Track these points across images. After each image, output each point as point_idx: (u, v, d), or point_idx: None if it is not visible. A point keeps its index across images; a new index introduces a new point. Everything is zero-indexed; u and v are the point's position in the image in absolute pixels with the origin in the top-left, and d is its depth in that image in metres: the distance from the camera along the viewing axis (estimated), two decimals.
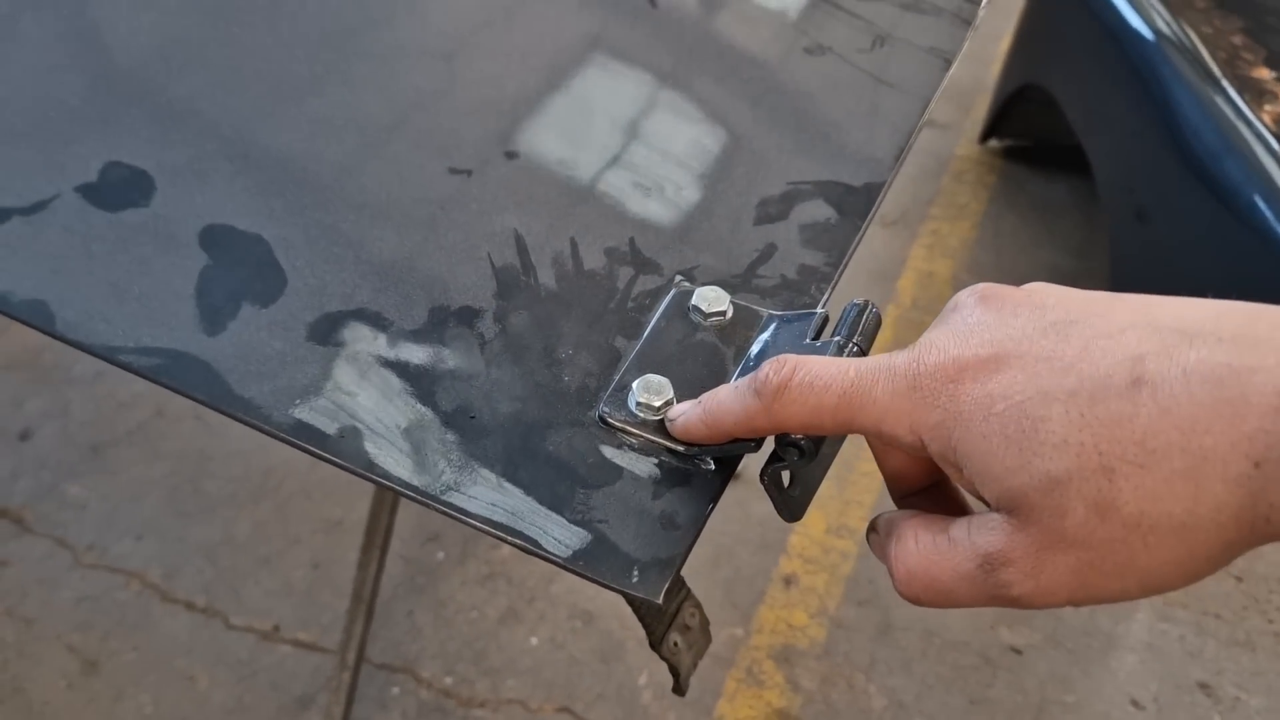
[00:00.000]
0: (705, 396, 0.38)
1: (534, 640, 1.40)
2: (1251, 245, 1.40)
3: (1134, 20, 1.66)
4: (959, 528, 0.33)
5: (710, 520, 0.39)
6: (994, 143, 2.25)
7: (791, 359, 0.35)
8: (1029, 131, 2.19)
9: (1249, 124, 1.43)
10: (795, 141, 0.54)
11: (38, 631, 1.37)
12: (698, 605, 0.54)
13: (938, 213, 2.11)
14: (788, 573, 1.51)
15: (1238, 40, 1.59)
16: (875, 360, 0.34)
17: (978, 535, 0.32)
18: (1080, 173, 1.81)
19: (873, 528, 0.37)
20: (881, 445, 0.37)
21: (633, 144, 0.53)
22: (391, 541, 1.26)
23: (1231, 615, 1.48)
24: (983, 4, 0.66)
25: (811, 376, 0.34)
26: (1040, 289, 0.33)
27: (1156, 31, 1.62)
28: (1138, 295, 0.32)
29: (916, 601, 0.34)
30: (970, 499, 0.36)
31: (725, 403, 0.37)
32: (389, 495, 1.11)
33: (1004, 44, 2.12)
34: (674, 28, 0.61)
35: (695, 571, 1.44)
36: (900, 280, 1.95)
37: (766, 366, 0.35)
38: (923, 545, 0.33)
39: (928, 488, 0.38)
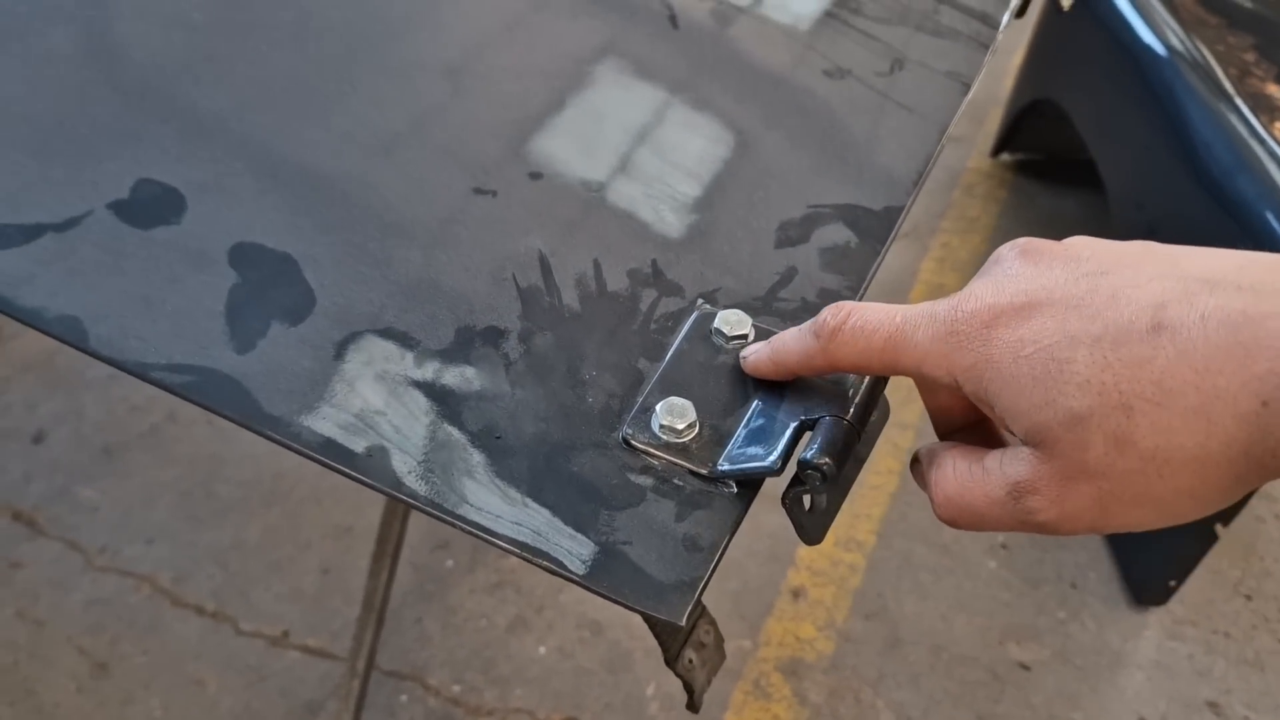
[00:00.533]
0: (774, 338, 0.42)
1: (542, 649, 1.41)
2: None
3: (1147, 36, 1.66)
4: (992, 458, 0.35)
5: None
6: (1006, 156, 2.25)
7: (847, 305, 0.38)
8: (1041, 146, 2.19)
9: (1261, 141, 1.43)
10: (815, 164, 0.55)
11: (48, 634, 1.38)
12: (713, 622, 0.54)
13: (949, 226, 2.12)
14: (796, 585, 1.51)
15: (1250, 57, 1.59)
16: (919, 307, 0.36)
17: (1008, 465, 0.34)
18: (1091, 187, 1.81)
19: (916, 459, 0.40)
20: (926, 386, 0.40)
21: (654, 165, 0.54)
22: (402, 548, 1.27)
23: (1241, 634, 1.48)
24: (1001, 28, 0.67)
25: (863, 321, 0.37)
26: (1078, 242, 0.36)
27: (1169, 47, 1.63)
28: (1171, 246, 0.34)
29: (952, 523, 0.37)
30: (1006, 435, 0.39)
31: (789, 342, 0.40)
32: (401, 504, 1.11)
33: (1017, 58, 2.12)
34: (695, 49, 0.62)
35: None
36: (911, 293, 1.95)
37: (825, 311, 0.38)
38: (959, 472, 0.36)
39: (970, 424, 0.41)
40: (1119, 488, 0.32)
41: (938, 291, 1.96)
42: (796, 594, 1.50)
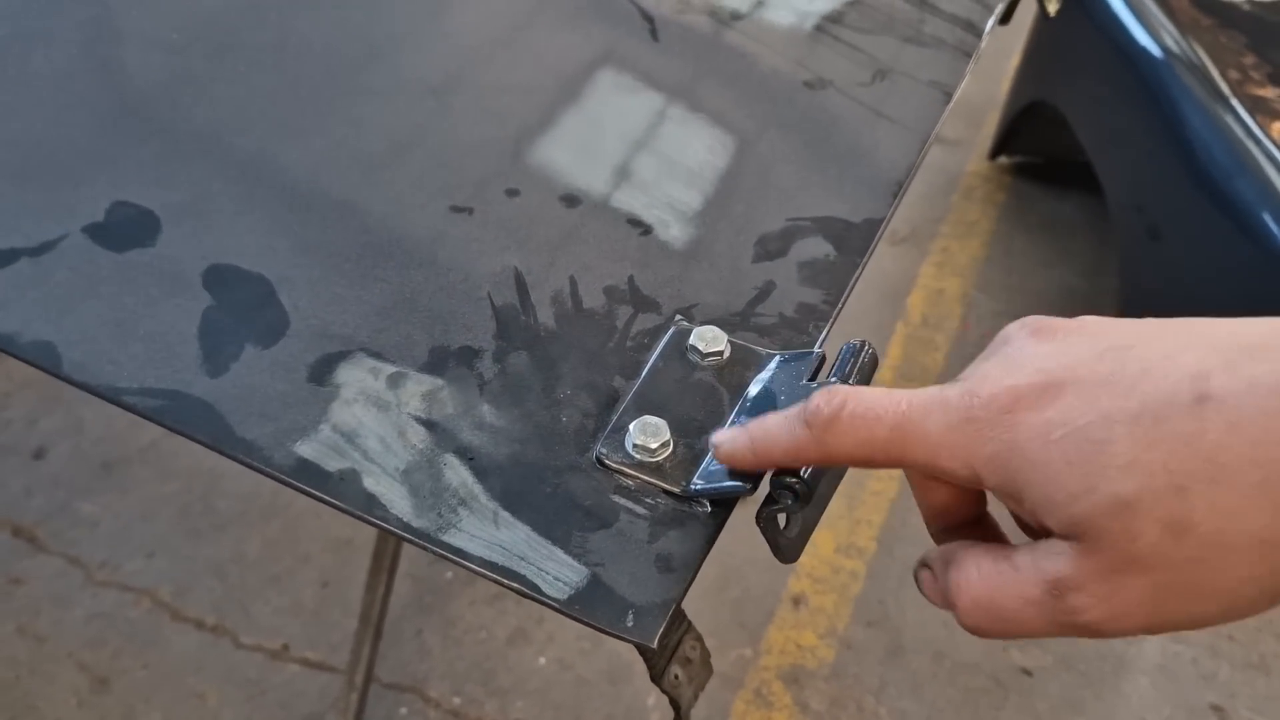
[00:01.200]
0: (752, 424, 0.37)
1: (542, 660, 1.41)
2: (1262, 263, 1.39)
3: (1143, 37, 1.66)
4: (1023, 554, 0.32)
5: (719, 540, 0.39)
6: (1004, 159, 2.25)
7: (842, 390, 0.34)
8: (1039, 148, 2.19)
9: (1259, 143, 1.43)
10: (795, 177, 0.54)
11: (49, 649, 1.38)
12: (698, 638, 0.54)
13: (947, 230, 2.11)
14: (797, 593, 1.51)
15: (1245, 58, 1.59)
16: (928, 392, 0.33)
17: (1044, 561, 0.31)
18: (1090, 190, 1.80)
19: (924, 564, 0.37)
20: (924, 481, 0.37)
21: (632, 181, 0.54)
22: (400, 560, 1.27)
23: (1245, 638, 1.47)
24: (985, 35, 0.66)
25: (863, 408, 0.33)
26: (1089, 320, 0.33)
27: (1165, 49, 1.62)
28: (1184, 320, 0.32)
29: (980, 633, 0.33)
30: (1011, 534, 0.36)
31: (773, 432, 0.36)
32: None
33: (1014, 60, 2.12)
34: (674, 62, 0.62)
35: (703, 592, 1.44)
36: (910, 297, 1.95)
37: (817, 397, 0.34)
38: (985, 573, 0.33)
39: (968, 523, 0.37)
40: (1176, 579, 0.29)
41: (937, 295, 1.96)
42: (797, 601, 1.50)
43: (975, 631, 0.33)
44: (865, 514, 1.61)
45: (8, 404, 1.68)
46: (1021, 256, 2.06)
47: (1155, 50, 1.64)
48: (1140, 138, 1.65)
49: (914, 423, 0.32)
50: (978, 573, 0.33)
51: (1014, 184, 2.23)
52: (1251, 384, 0.28)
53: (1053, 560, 0.30)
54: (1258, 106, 1.49)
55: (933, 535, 0.38)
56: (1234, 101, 1.49)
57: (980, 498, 0.37)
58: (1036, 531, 0.33)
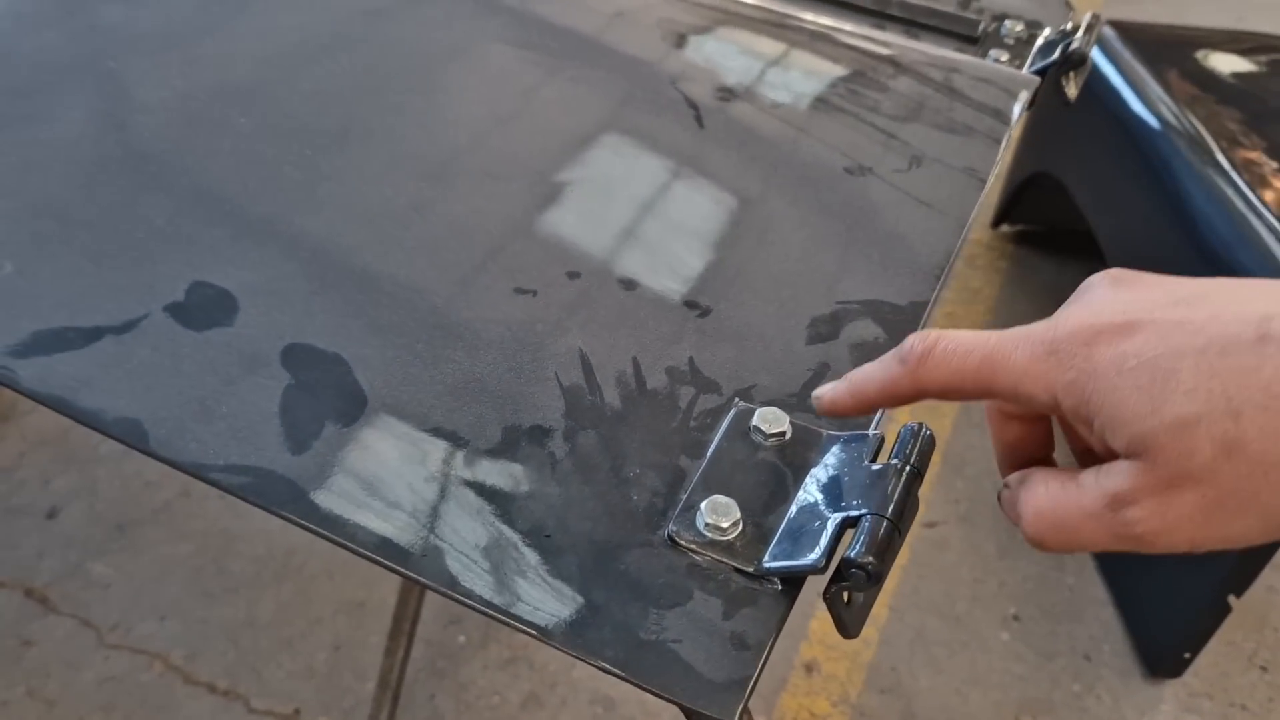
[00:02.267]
0: (851, 372, 0.41)
1: None
2: None
3: (1142, 111, 1.71)
4: (1088, 474, 0.35)
5: None
6: (1006, 228, 2.29)
7: (933, 332, 0.38)
8: (1041, 217, 2.23)
9: (1259, 214, 1.47)
10: (841, 261, 0.57)
11: (60, 714, 1.37)
12: (750, 714, 0.55)
13: (952, 296, 2.14)
14: (809, 659, 1.51)
15: (1241, 131, 1.63)
16: (1014, 330, 0.37)
17: (1106, 479, 0.34)
18: (1092, 258, 1.84)
19: (1005, 484, 0.40)
20: (1002, 420, 0.40)
21: (686, 265, 0.56)
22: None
23: (1258, 706, 1.47)
24: (1012, 123, 0.69)
25: (954, 344, 0.37)
26: (1166, 276, 0.36)
27: (1164, 122, 1.67)
28: (1256, 279, 0.35)
29: (1040, 542, 0.36)
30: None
31: (870, 372, 0.40)
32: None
33: (1016, 131, 2.17)
34: (720, 150, 0.64)
35: None
36: None
37: (911, 338, 0.38)
38: (1052, 488, 0.36)
39: (1038, 461, 0.40)
40: (1225, 495, 0.32)
41: None
42: (809, 668, 1.50)
43: (1038, 542, 0.36)
44: None
45: (21, 464, 1.68)
46: (1025, 322, 2.09)
47: (1154, 123, 1.69)
48: (1140, 208, 1.69)
49: (1002, 353, 0.36)
50: (1045, 489, 0.36)
51: (1016, 252, 2.27)
52: None
53: (1114, 478, 0.34)
54: (1255, 178, 1.53)
55: (1002, 473, 0.41)
56: (1233, 173, 1.53)
57: (1049, 439, 0.41)
58: (1102, 462, 0.36)
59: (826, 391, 0.42)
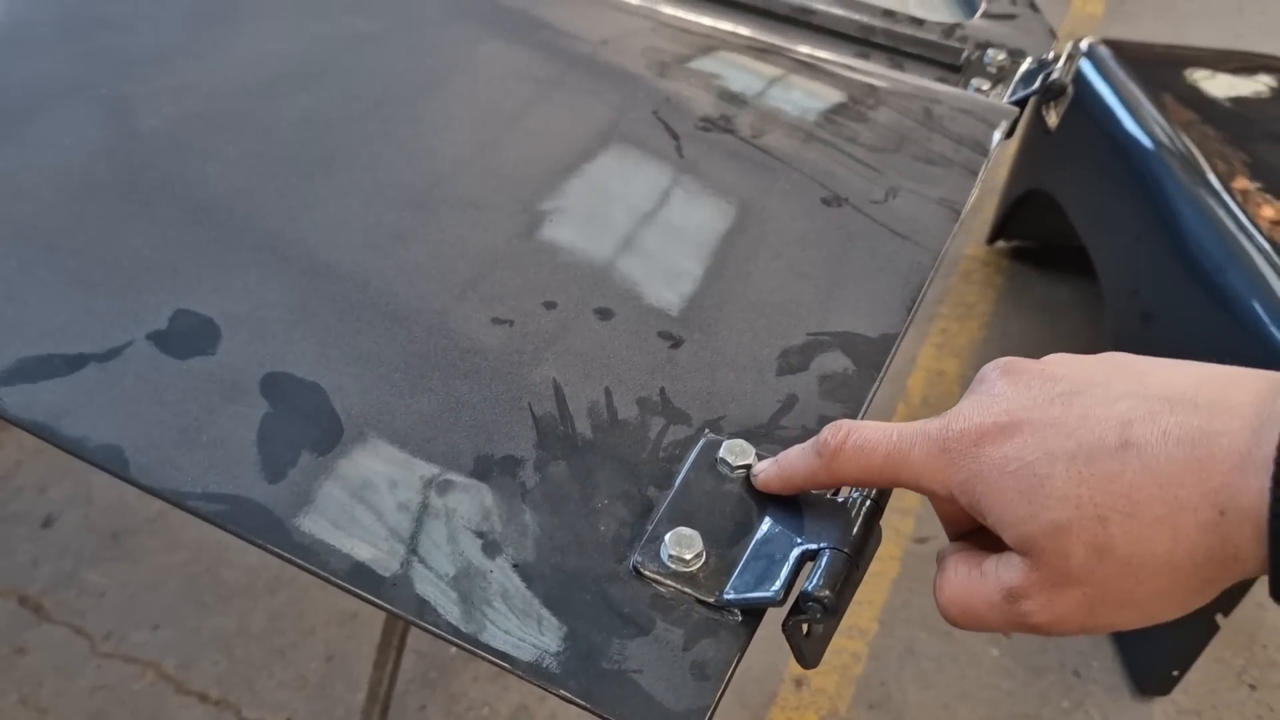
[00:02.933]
0: (780, 455, 0.45)
1: None
2: (1253, 351, 1.43)
3: (1135, 130, 1.72)
4: (990, 563, 0.38)
5: None
6: (1001, 244, 2.30)
7: (845, 424, 0.41)
8: (1036, 233, 2.24)
9: (1249, 235, 1.48)
10: (814, 293, 0.58)
11: None
12: None
13: (946, 311, 2.15)
14: (798, 674, 1.51)
15: (1232, 151, 1.64)
16: (914, 425, 0.40)
17: (1003, 571, 0.37)
18: (1086, 274, 1.85)
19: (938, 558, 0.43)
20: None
21: (661, 295, 0.57)
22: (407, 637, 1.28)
23: None
24: (989, 154, 0.70)
25: (861, 440, 0.41)
26: (1055, 361, 0.40)
27: (1157, 141, 1.68)
28: (1138, 360, 0.38)
29: (954, 624, 0.40)
30: None
31: (795, 461, 0.44)
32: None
33: (1011, 148, 2.18)
34: (699, 179, 0.65)
35: None
36: (910, 379, 1.98)
37: (826, 430, 0.42)
38: (959, 576, 0.39)
39: (978, 527, 0.43)
40: (1102, 592, 0.35)
41: (936, 377, 1.99)
42: (799, 683, 1.50)
43: (951, 622, 0.40)
44: (866, 594, 1.62)
45: (18, 472, 1.70)
46: (1019, 338, 2.10)
47: (1147, 142, 1.70)
48: (1133, 225, 1.70)
49: (902, 452, 0.39)
50: (954, 575, 0.40)
51: (1011, 267, 2.28)
52: (1164, 434, 0.34)
53: (1009, 571, 0.37)
54: (1246, 198, 1.54)
55: (948, 534, 0.44)
56: (1223, 193, 1.54)
57: None
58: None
59: (761, 471, 0.46)
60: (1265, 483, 0.32)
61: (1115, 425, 0.35)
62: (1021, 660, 1.55)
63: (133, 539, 1.61)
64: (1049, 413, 0.37)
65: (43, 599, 1.52)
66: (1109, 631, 0.36)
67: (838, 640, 1.56)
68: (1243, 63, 1.97)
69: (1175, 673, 1.48)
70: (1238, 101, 1.82)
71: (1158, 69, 1.87)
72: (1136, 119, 1.73)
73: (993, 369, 0.40)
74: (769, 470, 0.45)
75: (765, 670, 1.51)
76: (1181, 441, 0.33)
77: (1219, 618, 1.39)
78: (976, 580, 0.38)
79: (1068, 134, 1.93)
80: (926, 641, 1.56)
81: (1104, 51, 1.88)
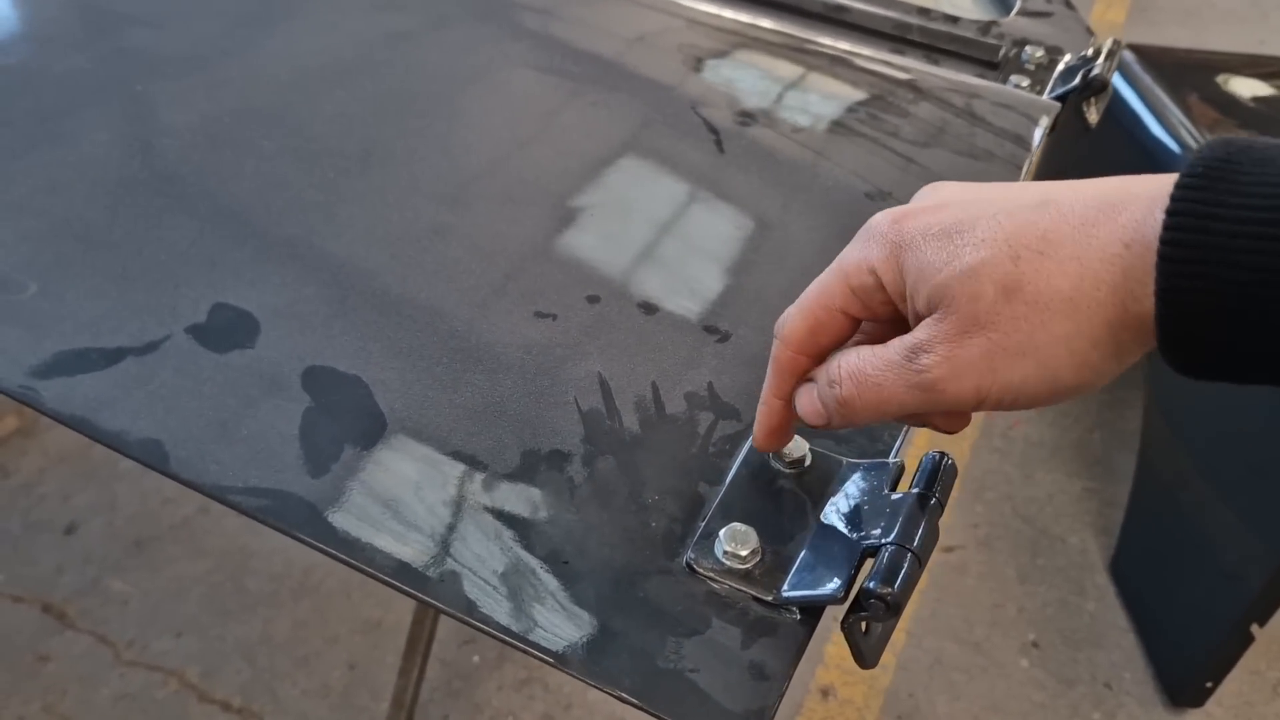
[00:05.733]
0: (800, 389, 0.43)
1: None
2: None
3: (1162, 135, 1.70)
4: (896, 338, 0.38)
5: None
6: None
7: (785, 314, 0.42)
8: None
9: None
10: None
11: None
12: None
13: None
14: (825, 684, 1.49)
15: None
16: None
17: (908, 336, 0.37)
18: None
19: (809, 379, 0.42)
20: (833, 319, 0.41)
21: (706, 289, 0.56)
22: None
23: None
24: (1034, 149, 0.69)
25: (808, 294, 0.41)
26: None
27: (1184, 145, 1.66)
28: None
29: (849, 402, 0.39)
30: None
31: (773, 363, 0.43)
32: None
33: (1037, 155, 2.17)
34: (740, 173, 0.64)
35: None
36: None
37: (779, 324, 0.42)
38: (864, 352, 0.39)
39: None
40: (1005, 338, 0.35)
41: None
42: (826, 693, 1.48)
43: (846, 407, 0.39)
44: None
45: (41, 479, 1.69)
46: None
47: (1174, 146, 1.68)
48: None
49: (835, 266, 0.40)
50: (857, 354, 0.39)
51: None
52: (1082, 193, 0.35)
53: (914, 333, 0.37)
54: None
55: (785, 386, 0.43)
56: None
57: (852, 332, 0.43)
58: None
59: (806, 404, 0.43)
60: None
61: (1037, 193, 0.36)
62: (1053, 671, 1.53)
63: (156, 546, 1.61)
64: (974, 194, 0.38)
65: (66, 607, 1.52)
66: (1006, 396, 0.36)
67: None
68: (1269, 67, 1.95)
69: (1209, 684, 1.45)
70: (1265, 105, 1.81)
71: (1183, 74, 1.86)
72: (1162, 123, 1.71)
73: (927, 187, 0.41)
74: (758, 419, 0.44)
75: (793, 680, 1.49)
76: (1098, 196, 0.34)
77: (1254, 628, 1.36)
78: (879, 351, 0.38)
79: (1092, 138, 1.91)
80: (955, 652, 1.54)
81: (1129, 56, 1.86)
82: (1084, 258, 0.34)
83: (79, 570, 1.56)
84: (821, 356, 0.42)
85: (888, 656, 1.53)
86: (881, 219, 0.39)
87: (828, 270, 0.40)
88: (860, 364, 0.38)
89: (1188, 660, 1.48)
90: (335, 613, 1.53)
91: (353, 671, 1.46)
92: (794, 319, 0.41)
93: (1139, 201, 0.33)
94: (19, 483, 1.68)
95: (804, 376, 0.42)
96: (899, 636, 1.56)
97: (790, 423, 0.44)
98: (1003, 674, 1.52)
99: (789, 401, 0.43)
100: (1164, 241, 0.31)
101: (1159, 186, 0.33)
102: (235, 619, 1.51)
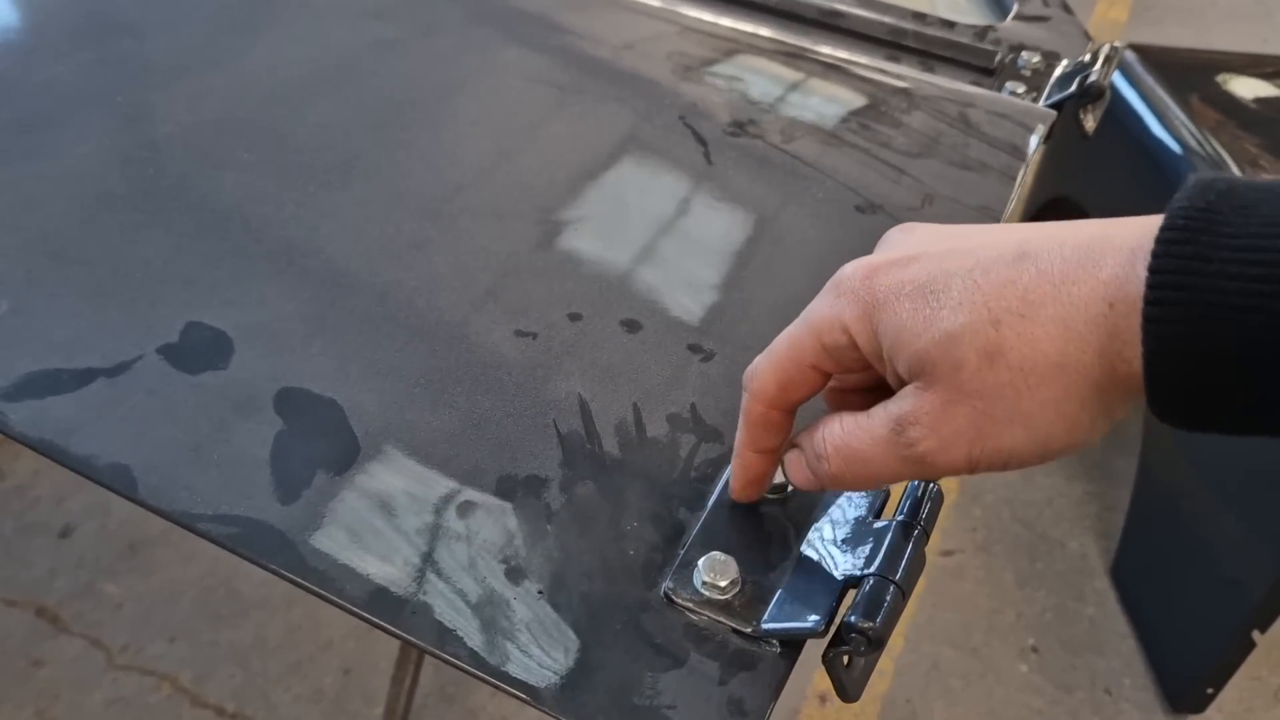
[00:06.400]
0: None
1: None
2: None
3: (1164, 135, 1.69)
4: (879, 406, 0.37)
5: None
6: None
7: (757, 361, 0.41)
8: None
9: None
10: None
11: None
12: None
13: None
14: (823, 689, 1.49)
15: (1262, 156, 1.61)
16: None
17: (892, 405, 0.36)
18: None
19: (793, 444, 0.41)
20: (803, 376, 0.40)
21: (690, 306, 0.55)
22: None
23: None
24: (1027, 159, 0.68)
25: (766, 355, 0.40)
26: (952, 225, 0.39)
27: (1186, 146, 1.65)
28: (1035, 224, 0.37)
29: (840, 477, 0.38)
30: None
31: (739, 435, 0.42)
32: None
33: (1037, 157, 2.15)
34: (728, 186, 0.63)
35: None
36: None
37: (745, 377, 0.41)
38: (846, 423, 0.38)
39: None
40: (991, 406, 0.34)
41: None
42: (823, 699, 1.48)
43: (837, 480, 0.38)
44: None
45: (36, 482, 1.69)
46: None
47: (1175, 147, 1.67)
48: None
49: (802, 321, 0.39)
50: (840, 425, 0.38)
51: None
52: (1060, 243, 0.33)
53: (898, 403, 0.36)
54: None
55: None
56: None
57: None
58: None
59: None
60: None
61: (1013, 243, 0.34)
62: (1051, 677, 1.52)
63: (149, 550, 1.60)
64: (948, 244, 0.36)
65: (60, 610, 1.51)
66: (997, 462, 0.34)
67: None
68: (1272, 66, 1.93)
69: (1210, 690, 1.44)
70: (1267, 105, 1.79)
71: (1185, 73, 1.84)
72: (1164, 124, 1.70)
73: (893, 230, 0.40)
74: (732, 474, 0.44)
75: (789, 687, 1.48)
76: (1078, 248, 0.33)
77: (1255, 634, 1.35)
78: (863, 421, 0.37)
79: (1094, 140, 1.90)
80: (953, 658, 1.53)
81: (1130, 56, 1.85)
82: (1068, 319, 0.32)
83: (72, 574, 1.56)
84: (794, 410, 0.41)
85: (885, 662, 1.52)
86: (853, 274, 0.37)
87: (798, 324, 0.39)
88: (846, 438, 0.37)
89: (1188, 666, 1.48)
90: (328, 617, 1.52)
91: (347, 676, 1.46)
92: (764, 374, 0.40)
93: (1119, 254, 0.32)
94: (13, 485, 1.68)
95: (779, 430, 0.41)
96: (896, 642, 1.55)
97: (767, 474, 0.43)
98: (1001, 680, 1.51)
99: (764, 453, 0.42)
100: (1148, 302, 0.30)
101: (1139, 235, 0.32)
102: (228, 623, 1.51)
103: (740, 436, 0.42)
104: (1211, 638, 1.43)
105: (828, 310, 0.37)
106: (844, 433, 0.38)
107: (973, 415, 0.34)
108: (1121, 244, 0.32)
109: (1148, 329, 0.30)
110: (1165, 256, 0.30)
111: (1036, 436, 0.34)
